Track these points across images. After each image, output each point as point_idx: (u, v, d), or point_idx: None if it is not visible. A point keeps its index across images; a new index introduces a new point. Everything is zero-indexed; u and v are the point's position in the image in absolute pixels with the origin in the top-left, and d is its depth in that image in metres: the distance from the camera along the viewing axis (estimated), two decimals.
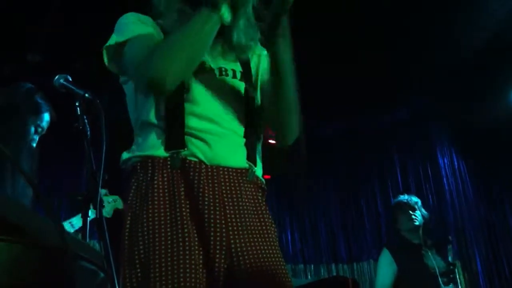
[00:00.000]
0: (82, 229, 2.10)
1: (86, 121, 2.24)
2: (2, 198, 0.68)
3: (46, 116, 2.62)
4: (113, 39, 1.60)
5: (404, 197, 4.34)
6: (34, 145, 2.57)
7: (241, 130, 1.59)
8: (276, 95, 1.60)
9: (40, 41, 4.52)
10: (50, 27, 4.46)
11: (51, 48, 4.62)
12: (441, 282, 3.86)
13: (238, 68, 1.66)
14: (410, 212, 4.15)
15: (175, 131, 1.51)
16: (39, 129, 2.60)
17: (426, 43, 5.37)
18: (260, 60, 1.74)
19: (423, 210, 4.28)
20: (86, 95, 2.24)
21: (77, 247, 0.78)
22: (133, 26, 1.59)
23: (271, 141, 1.77)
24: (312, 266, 7.51)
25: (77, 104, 2.28)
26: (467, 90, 5.94)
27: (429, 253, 4.06)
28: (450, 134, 7.00)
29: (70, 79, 2.32)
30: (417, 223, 4.13)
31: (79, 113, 2.28)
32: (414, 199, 4.34)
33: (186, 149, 1.48)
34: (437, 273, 3.89)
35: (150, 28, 1.58)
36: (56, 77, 2.32)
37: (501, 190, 6.78)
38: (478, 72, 5.64)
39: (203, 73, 1.57)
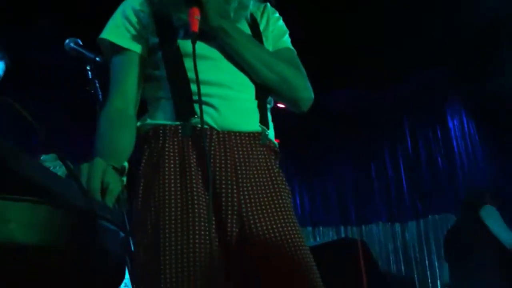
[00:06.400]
0: None
1: (97, 85, 2.25)
2: (28, 160, 0.69)
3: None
4: (104, 33, 1.60)
5: None
6: None
7: (252, 92, 1.57)
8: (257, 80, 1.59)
9: (51, 4, 4.47)
10: None
11: (61, 12, 4.57)
12: None
13: (247, 30, 1.65)
14: None
15: (183, 100, 1.50)
16: None
17: (438, 9, 5.29)
18: (269, 21, 1.72)
19: None
20: (97, 58, 2.24)
21: (98, 207, 0.80)
22: (113, 33, 1.59)
23: (280, 104, 1.74)
24: (321, 228, 7.58)
25: (88, 68, 2.28)
26: (478, 53, 5.88)
27: None
28: (461, 96, 6.95)
29: (81, 43, 2.31)
30: None
31: (90, 77, 2.28)
32: None
33: (196, 116, 1.48)
34: None
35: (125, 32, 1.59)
36: (67, 41, 2.30)
37: (510, 152, 6.77)
38: (491, 36, 5.56)
39: (205, 41, 1.55)
